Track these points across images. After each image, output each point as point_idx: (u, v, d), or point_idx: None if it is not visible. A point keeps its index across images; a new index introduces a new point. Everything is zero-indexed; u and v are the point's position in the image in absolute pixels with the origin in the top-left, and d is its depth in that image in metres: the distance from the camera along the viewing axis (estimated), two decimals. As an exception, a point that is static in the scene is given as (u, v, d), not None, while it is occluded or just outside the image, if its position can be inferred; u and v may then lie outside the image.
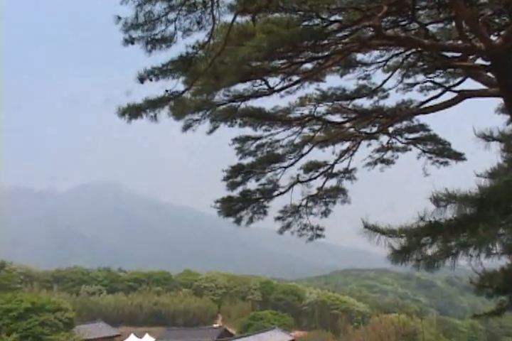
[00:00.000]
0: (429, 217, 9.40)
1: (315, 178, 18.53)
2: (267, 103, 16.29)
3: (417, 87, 18.13)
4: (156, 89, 12.95)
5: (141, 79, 12.05)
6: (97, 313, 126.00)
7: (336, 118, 18.38)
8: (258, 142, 17.75)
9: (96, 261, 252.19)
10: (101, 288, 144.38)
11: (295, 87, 16.15)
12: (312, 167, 18.68)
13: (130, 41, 11.10)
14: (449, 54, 14.88)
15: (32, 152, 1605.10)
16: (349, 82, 17.25)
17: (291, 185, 17.99)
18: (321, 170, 18.69)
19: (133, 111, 12.74)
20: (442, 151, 18.92)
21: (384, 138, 19.40)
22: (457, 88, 15.76)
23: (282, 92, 16.02)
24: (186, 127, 14.96)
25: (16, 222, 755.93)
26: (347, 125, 18.21)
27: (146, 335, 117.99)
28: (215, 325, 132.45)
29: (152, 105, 12.71)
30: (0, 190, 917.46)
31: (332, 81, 17.18)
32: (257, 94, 15.34)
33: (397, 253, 9.53)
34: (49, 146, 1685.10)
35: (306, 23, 12.49)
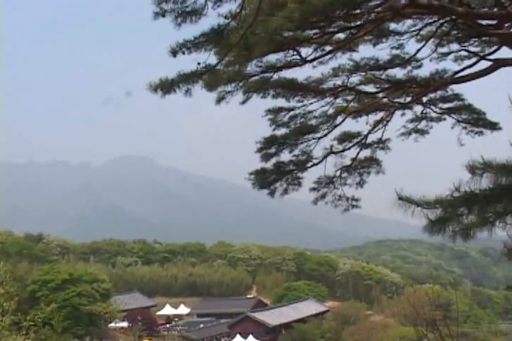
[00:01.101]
0: (464, 187, 9.33)
1: (349, 149, 18.46)
2: (299, 74, 16.22)
3: (451, 56, 17.91)
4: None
5: (174, 53, 12.04)
6: (133, 284, 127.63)
7: (369, 88, 18.26)
8: (291, 113, 17.69)
9: (131, 232, 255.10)
10: (136, 260, 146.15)
11: (328, 57, 16.03)
12: (346, 137, 18.60)
13: (161, 14, 11.08)
14: (484, 22, 14.65)
15: (67, 126, 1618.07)
16: (382, 51, 17.10)
17: (325, 156, 17.94)
18: (355, 140, 18.60)
19: (166, 86, 12.71)
20: (477, 121, 18.69)
21: (418, 108, 19.25)
22: (492, 57, 15.54)
23: (315, 63, 15.91)
24: (219, 99, 14.93)
25: (52, 195, 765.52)
26: (380, 95, 18.07)
27: (182, 306, 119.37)
28: (249, 296, 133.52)
29: (185, 79, 12.68)
30: (36, 164, 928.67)
31: (365, 51, 17.05)
32: (289, 65, 15.25)
33: (433, 224, 9.49)
34: (83, 120, 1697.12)
35: (338, -8, 12.35)
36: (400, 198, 9.51)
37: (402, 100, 18.23)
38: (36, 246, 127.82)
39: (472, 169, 9.26)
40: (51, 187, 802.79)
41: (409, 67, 17.73)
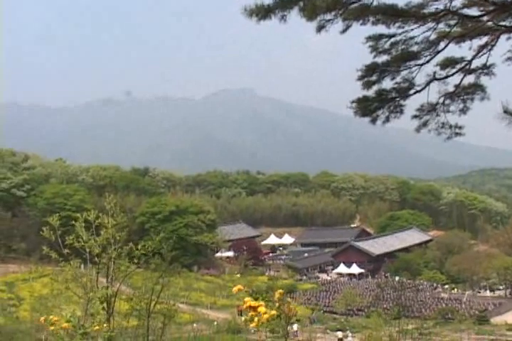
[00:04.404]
0: None
1: (452, 75, 18.04)
2: (399, -1, 15.89)
3: None
4: None
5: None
6: (237, 215, 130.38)
7: (473, 11, 17.68)
8: (392, 40, 17.37)
9: (234, 164, 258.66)
10: (240, 191, 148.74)
11: (429, -20, 15.64)
12: (449, 63, 18.18)
13: None
14: None
15: (166, 61, 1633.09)
16: (486, -28, 16.50)
17: (428, 83, 17.62)
18: (458, 66, 18.15)
19: (261, 12, 12.66)
20: None
21: (525, 31, 18.59)
22: None
23: (416, -13, 15.56)
24: (319, 28, 14.80)
25: (157, 129, 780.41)
26: (485, 18, 17.50)
27: (286, 235, 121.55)
28: (353, 225, 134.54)
29: (281, 5, 12.61)
30: (137, 99, 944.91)
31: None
32: (389, -10, 14.97)
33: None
34: (183, 55, 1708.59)
35: None
36: (506, 111, 9.37)
37: (507, 23, 17.64)
38: (143, 180, 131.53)
39: None
40: (153, 122, 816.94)
41: (515, -12, 17.08)
